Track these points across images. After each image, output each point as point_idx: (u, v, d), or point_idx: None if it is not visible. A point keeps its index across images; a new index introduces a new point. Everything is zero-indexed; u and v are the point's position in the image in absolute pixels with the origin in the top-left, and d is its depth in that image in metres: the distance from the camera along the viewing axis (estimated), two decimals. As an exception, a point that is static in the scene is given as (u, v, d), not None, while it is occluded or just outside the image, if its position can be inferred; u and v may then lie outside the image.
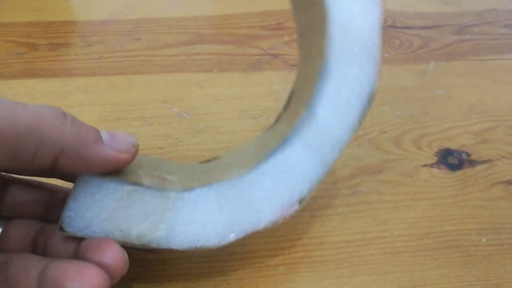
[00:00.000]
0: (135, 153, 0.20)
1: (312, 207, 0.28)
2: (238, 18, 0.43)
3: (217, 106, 0.34)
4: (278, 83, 0.36)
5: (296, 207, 0.23)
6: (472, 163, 0.31)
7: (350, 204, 0.28)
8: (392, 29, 0.43)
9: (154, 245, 0.20)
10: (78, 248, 0.19)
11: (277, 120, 0.25)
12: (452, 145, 0.32)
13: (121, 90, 0.35)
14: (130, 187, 0.20)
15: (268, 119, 0.33)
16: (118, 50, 0.38)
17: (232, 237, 0.21)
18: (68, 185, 0.21)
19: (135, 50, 0.39)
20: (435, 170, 0.31)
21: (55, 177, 0.21)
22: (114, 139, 0.19)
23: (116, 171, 0.20)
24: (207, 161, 0.26)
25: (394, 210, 0.28)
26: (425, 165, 0.31)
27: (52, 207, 0.22)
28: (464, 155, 0.32)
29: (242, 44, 0.40)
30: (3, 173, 0.21)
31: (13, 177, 0.21)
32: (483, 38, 0.42)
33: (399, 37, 0.42)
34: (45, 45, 0.38)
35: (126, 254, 0.19)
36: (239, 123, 0.33)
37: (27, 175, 0.20)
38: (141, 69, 0.37)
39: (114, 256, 0.18)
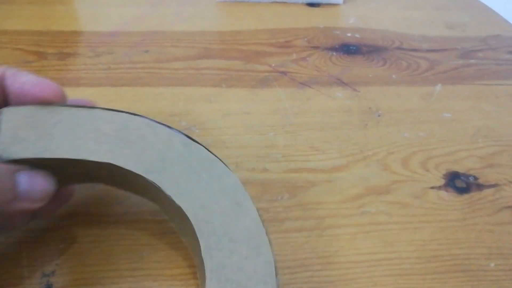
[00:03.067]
0: (47, 201, 0.21)
1: (320, 226, 0.28)
2: (246, 34, 0.43)
3: (225, 121, 0.34)
4: (285, 100, 0.36)
5: None
6: (480, 187, 0.31)
7: (359, 224, 0.28)
8: (400, 51, 0.43)
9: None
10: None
11: None
12: (460, 168, 0.32)
13: (128, 101, 0.35)
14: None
15: (276, 135, 0.33)
16: (126, 62, 0.38)
17: None
18: None
19: (143, 62, 0.39)
20: (443, 193, 0.31)
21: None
22: (33, 187, 0.20)
23: None
24: None
25: (402, 232, 0.28)
26: (433, 187, 0.31)
27: None
28: (471, 179, 0.32)
29: (250, 60, 0.40)
30: None
31: None
32: (487, 63, 0.43)
33: (406, 59, 0.42)
34: (54, 54, 0.38)
35: None
36: (247, 138, 0.33)
37: None
38: (149, 81, 0.37)
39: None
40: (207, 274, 0.20)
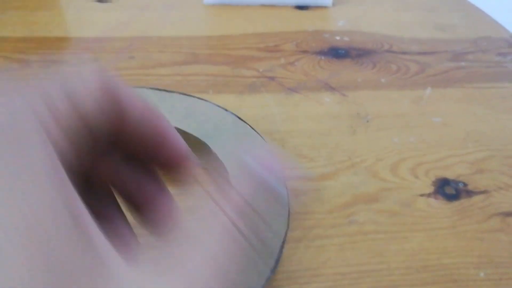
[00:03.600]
0: None
1: (307, 237, 0.27)
2: (234, 39, 0.43)
3: (212, 129, 0.33)
4: (274, 106, 0.36)
5: None
6: (469, 193, 0.31)
7: (346, 234, 0.28)
8: (389, 53, 0.43)
9: None
10: None
11: None
12: (449, 175, 0.32)
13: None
14: None
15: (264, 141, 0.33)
16: (111, 67, 0.38)
17: None
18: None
19: (128, 69, 0.38)
20: (432, 200, 0.30)
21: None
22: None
23: None
24: None
25: (391, 241, 0.28)
26: (422, 195, 0.30)
27: None
28: (461, 185, 0.31)
29: (238, 66, 0.39)
30: None
31: None
32: (478, 66, 0.42)
33: (396, 62, 0.42)
34: (38, 61, 0.38)
35: None
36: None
37: None
38: (134, 87, 0.36)
39: None
40: None
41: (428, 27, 0.47)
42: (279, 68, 0.39)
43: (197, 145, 0.29)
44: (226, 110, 0.30)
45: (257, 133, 0.29)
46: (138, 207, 0.17)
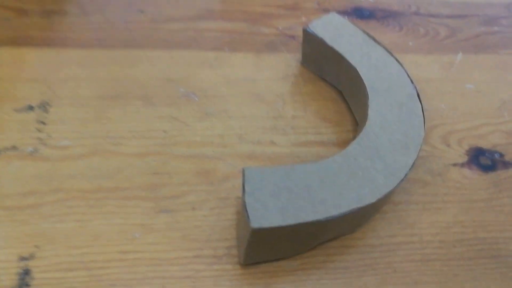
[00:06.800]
0: None
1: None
2: (251, -5, 0.39)
3: (228, 88, 0.31)
4: (295, 67, 0.33)
5: None
6: (506, 164, 0.29)
7: (376, 204, 0.25)
8: (416, 16, 0.40)
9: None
10: None
11: None
12: (484, 144, 0.29)
13: (121, 65, 0.31)
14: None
15: (284, 105, 0.30)
16: (118, 22, 0.35)
17: None
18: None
19: (137, 23, 0.35)
20: (466, 170, 0.28)
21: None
22: None
23: None
24: None
25: (423, 213, 0.26)
26: (455, 164, 0.28)
27: None
28: (497, 156, 0.29)
29: (255, 23, 0.36)
30: None
31: None
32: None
33: (424, 25, 0.39)
34: (36, 11, 0.34)
35: None
36: (251, 108, 0.30)
37: None
38: (144, 43, 0.33)
39: None
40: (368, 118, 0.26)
41: (457, -11, 0.44)
42: (300, 27, 0.36)
43: (348, 68, 0.29)
44: (398, 63, 0.29)
45: (412, 82, 0.28)
46: None
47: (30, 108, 0.28)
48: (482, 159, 0.29)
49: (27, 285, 0.20)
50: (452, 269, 0.23)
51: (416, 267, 0.23)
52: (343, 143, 0.28)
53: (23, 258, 0.21)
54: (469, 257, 0.24)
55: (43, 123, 0.27)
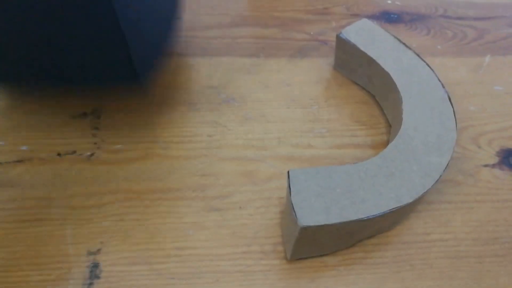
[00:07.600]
0: None
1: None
2: (281, 1, 0.41)
3: (265, 93, 0.32)
4: (327, 71, 0.34)
5: None
6: (536, 164, 0.29)
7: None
8: (444, 18, 0.40)
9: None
10: None
11: None
12: (514, 145, 0.31)
13: (164, 72, 0.33)
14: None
15: (319, 109, 0.31)
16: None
17: None
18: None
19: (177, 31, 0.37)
20: (497, 171, 0.29)
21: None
22: None
23: None
24: None
25: (456, 212, 0.27)
26: (486, 165, 0.29)
27: None
28: (527, 156, 0.30)
29: (287, 28, 0.38)
30: None
31: None
32: (539, 32, 0.40)
33: (451, 28, 0.39)
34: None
35: None
36: (288, 112, 0.31)
37: None
38: (183, 50, 0.35)
39: None
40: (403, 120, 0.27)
41: (484, -9, 0.44)
42: (330, 32, 0.38)
43: (381, 72, 0.31)
44: (426, 65, 0.31)
45: (440, 82, 0.30)
46: None
47: (84, 114, 0.30)
48: (512, 160, 0.30)
49: (97, 277, 0.22)
50: (485, 265, 0.25)
51: (450, 263, 0.25)
52: (378, 145, 0.30)
53: (91, 253, 0.23)
54: (503, 254, 0.25)
55: (97, 128, 0.29)
